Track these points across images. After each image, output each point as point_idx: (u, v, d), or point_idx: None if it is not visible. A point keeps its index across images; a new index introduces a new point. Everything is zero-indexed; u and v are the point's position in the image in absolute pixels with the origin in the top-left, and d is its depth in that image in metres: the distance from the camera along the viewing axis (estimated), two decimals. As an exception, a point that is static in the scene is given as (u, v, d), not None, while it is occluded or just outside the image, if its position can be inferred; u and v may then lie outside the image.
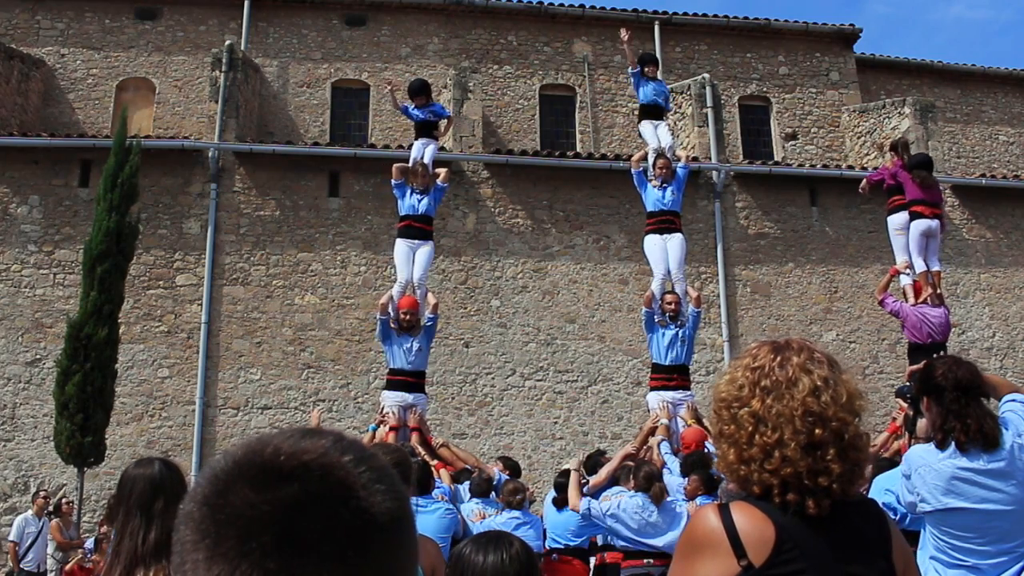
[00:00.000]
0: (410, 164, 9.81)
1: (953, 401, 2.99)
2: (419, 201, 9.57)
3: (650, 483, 6.39)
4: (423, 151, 9.86)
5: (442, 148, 16.24)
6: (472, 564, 2.15)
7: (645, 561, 6.44)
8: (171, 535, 2.79)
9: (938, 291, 9.00)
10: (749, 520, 1.75)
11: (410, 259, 9.44)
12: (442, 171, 9.89)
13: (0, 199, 15.05)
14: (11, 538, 11.39)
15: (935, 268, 9.12)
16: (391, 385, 8.90)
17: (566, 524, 7.03)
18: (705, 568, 1.75)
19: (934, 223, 9.05)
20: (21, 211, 15.02)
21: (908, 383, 6.27)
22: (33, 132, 15.95)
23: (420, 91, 10.01)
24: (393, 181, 9.80)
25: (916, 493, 3.13)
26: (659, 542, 6.32)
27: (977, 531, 2.91)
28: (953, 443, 2.99)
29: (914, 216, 9.04)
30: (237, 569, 0.79)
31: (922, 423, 3.42)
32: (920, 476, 3.10)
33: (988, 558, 2.92)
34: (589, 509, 6.50)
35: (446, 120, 10.38)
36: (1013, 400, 3.19)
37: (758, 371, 1.84)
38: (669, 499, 6.47)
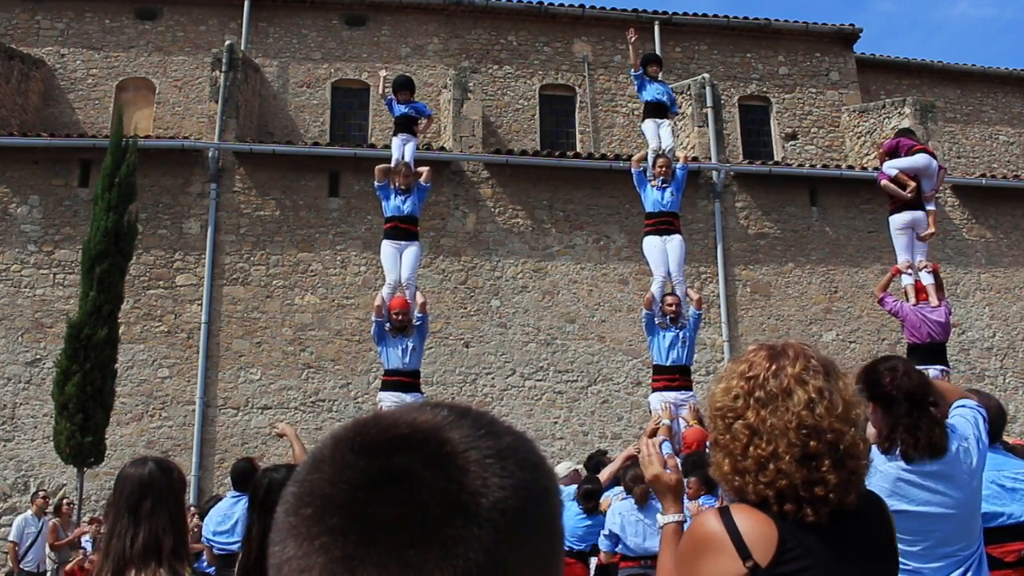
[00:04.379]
0: (392, 164, 9.80)
1: (905, 414, 2.88)
2: (403, 202, 9.56)
3: (635, 484, 6.53)
4: (403, 148, 9.85)
5: (442, 148, 16.31)
6: None
7: (642, 562, 6.51)
8: (159, 537, 2.74)
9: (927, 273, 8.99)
10: (751, 521, 1.74)
11: (397, 260, 9.46)
12: (424, 170, 9.85)
13: (0, 199, 15.05)
14: (11, 538, 11.38)
15: (920, 259, 9.11)
16: (387, 386, 8.95)
17: (573, 529, 7.06)
18: (710, 571, 1.74)
19: (930, 159, 9.23)
20: (21, 211, 15.01)
21: None
22: (33, 132, 15.94)
23: (405, 86, 10.09)
24: (376, 183, 9.80)
25: None
26: (654, 545, 6.44)
27: (919, 534, 2.86)
28: (901, 456, 2.94)
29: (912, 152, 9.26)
30: (309, 554, 0.70)
31: (870, 431, 3.38)
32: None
33: (929, 561, 2.87)
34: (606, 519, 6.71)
35: (426, 119, 10.34)
36: (963, 406, 3.14)
37: (752, 381, 1.81)
38: (653, 499, 6.58)
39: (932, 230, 9.18)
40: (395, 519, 0.69)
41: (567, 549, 7.03)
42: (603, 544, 6.70)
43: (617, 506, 6.72)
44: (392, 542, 0.68)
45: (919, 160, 9.16)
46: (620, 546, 6.63)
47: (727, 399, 1.83)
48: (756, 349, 1.89)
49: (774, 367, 1.81)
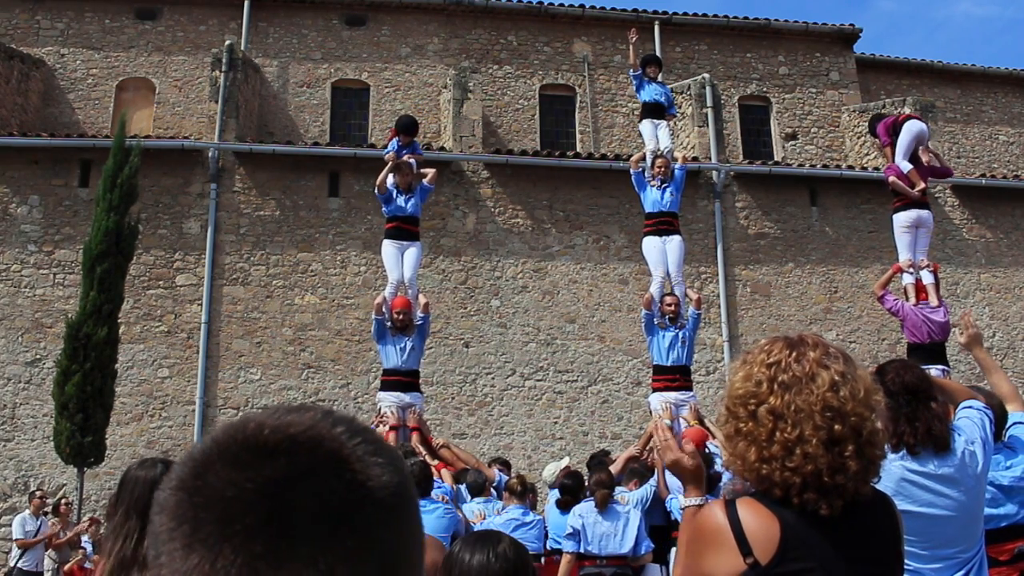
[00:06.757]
0: (394, 161, 9.70)
1: (903, 405, 2.98)
2: (406, 202, 9.53)
3: (597, 488, 6.73)
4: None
5: (442, 148, 16.32)
6: (459, 562, 2.19)
7: (597, 561, 6.69)
8: None
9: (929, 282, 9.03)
10: (755, 517, 1.74)
11: (399, 260, 9.44)
12: (429, 171, 9.77)
13: (0, 199, 15.05)
14: (15, 536, 11.38)
15: (922, 258, 9.15)
16: (386, 385, 8.95)
17: (564, 527, 7.07)
18: (711, 564, 1.75)
19: (921, 123, 9.47)
20: (21, 211, 15.02)
21: None
22: (33, 132, 15.94)
23: (411, 130, 9.73)
24: (377, 191, 9.70)
25: None
26: (613, 548, 6.59)
27: (920, 535, 2.87)
28: (904, 447, 2.98)
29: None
30: (219, 556, 0.70)
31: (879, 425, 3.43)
32: None
33: (928, 563, 2.88)
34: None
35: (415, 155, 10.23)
36: (969, 407, 3.16)
37: (774, 366, 1.81)
38: (613, 503, 6.78)
39: (923, 186, 9.28)
40: (313, 512, 0.72)
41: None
42: (568, 545, 6.75)
43: (579, 507, 6.79)
44: (314, 534, 0.72)
45: (913, 127, 9.23)
46: (582, 546, 6.72)
47: (749, 385, 1.82)
48: (772, 340, 1.89)
49: (795, 353, 1.81)
